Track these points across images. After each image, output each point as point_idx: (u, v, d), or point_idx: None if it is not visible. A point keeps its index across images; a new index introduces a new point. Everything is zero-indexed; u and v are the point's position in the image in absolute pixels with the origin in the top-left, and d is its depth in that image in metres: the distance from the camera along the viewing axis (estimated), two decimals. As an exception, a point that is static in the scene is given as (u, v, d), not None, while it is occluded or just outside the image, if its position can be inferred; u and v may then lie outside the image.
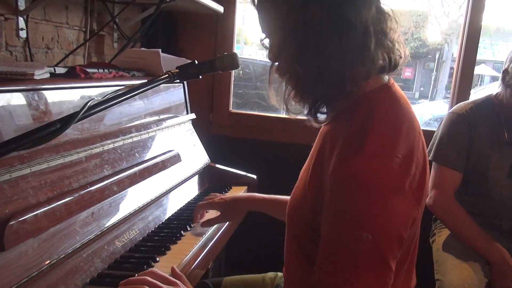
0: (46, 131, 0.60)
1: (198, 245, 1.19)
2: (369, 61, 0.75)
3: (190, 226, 1.27)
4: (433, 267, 1.60)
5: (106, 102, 0.74)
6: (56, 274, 0.88)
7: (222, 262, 1.97)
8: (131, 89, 0.84)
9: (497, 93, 1.61)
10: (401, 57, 0.81)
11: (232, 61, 0.99)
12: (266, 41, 0.84)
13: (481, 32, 2.04)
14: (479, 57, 2.09)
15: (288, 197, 1.20)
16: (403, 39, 0.82)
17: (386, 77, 0.82)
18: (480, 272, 1.45)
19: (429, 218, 1.78)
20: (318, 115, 0.82)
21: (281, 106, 0.84)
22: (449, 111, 1.69)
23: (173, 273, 0.91)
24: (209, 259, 1.20)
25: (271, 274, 1.25)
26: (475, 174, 1.59)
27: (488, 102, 1.63)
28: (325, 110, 0.83)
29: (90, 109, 0.70)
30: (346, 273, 0.69)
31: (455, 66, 2.20)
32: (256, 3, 0.82)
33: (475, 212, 1.57)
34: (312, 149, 0.89)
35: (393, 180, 0.70)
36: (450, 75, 6.98)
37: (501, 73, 1.57)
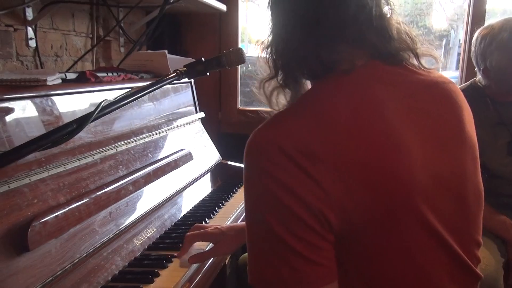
0: (64, 131, 0.63)
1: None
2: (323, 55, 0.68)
3: (206, 222, 1.29)
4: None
5: (119, 102, 0.76)
6: (79, 273, 0.91)
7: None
8: (142, 88, 0.86)
9: (479, 77, 1.63)
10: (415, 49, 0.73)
11: (238, 56, 1.01)
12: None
13: (487, 16, 2.02)
14: (485, 40, 2.07)
15: None
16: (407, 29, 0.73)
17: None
18: (496, 252, 1.45)
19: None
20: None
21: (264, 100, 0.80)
22: None
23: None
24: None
25: None
26: None
27: (472, 87, 1.64)
28: None
29: (104, 109, 0.72)
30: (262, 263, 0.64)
31: (461, 52, 2.19)
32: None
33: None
34: None
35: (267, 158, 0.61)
36: (458, 61, 6.88)
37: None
